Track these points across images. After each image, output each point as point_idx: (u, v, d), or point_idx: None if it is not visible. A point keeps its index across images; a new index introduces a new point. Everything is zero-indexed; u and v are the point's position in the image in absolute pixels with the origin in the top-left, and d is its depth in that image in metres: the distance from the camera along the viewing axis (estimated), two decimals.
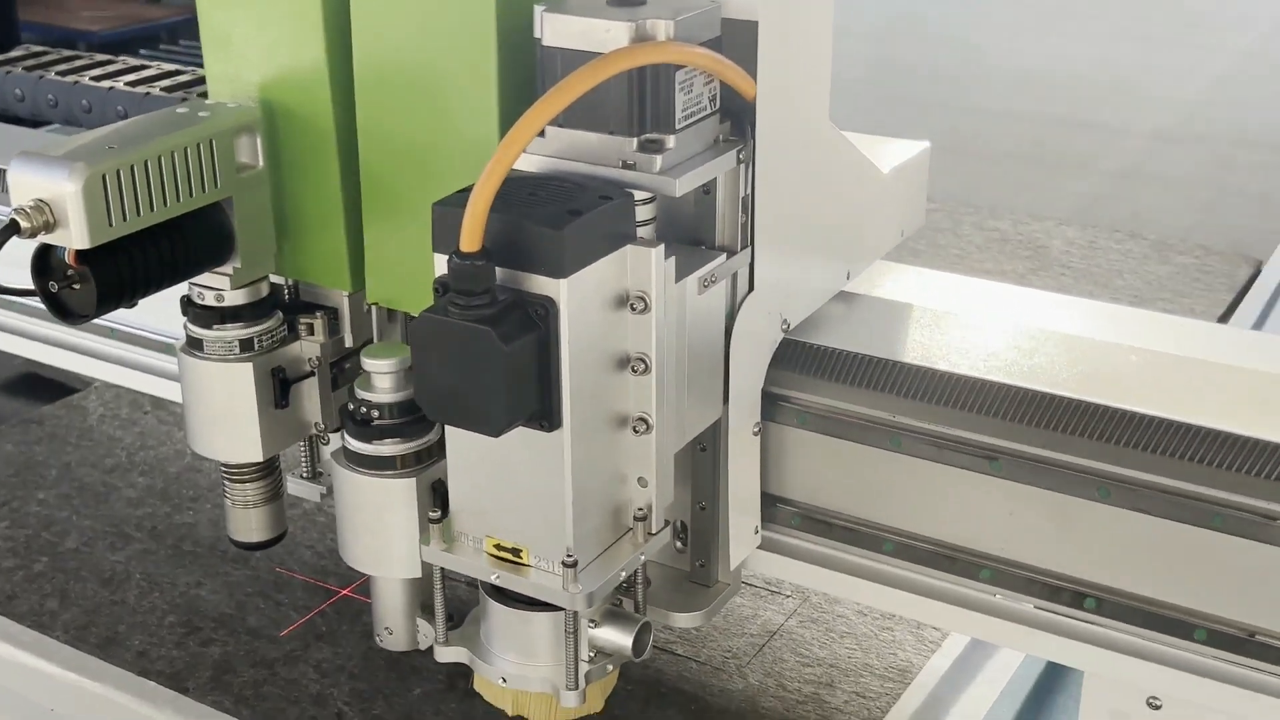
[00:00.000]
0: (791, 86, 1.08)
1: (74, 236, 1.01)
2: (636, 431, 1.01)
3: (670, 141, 0.99)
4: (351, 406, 1.14)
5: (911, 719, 1.21)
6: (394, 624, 1.23)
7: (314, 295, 1.24)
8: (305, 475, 1.32)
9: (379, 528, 1.16)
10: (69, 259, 1.03)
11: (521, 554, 1.02)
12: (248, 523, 1.27)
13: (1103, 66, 3.26)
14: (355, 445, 1.14)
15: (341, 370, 1.25)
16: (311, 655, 1.31)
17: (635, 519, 1.04)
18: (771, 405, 1.15)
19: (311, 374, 1.23)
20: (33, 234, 1.00)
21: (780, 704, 1.23)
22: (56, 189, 1.00)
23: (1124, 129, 2.82)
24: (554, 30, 0.99)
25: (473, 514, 1.04)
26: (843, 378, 1.12)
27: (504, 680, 1.08)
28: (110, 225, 1.02)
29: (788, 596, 1.37)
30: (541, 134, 1.02)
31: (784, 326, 1.16)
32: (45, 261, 1.05)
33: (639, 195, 0.98)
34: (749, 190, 1.06)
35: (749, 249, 1.08)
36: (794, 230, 1.13)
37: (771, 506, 1.18)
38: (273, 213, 1.17)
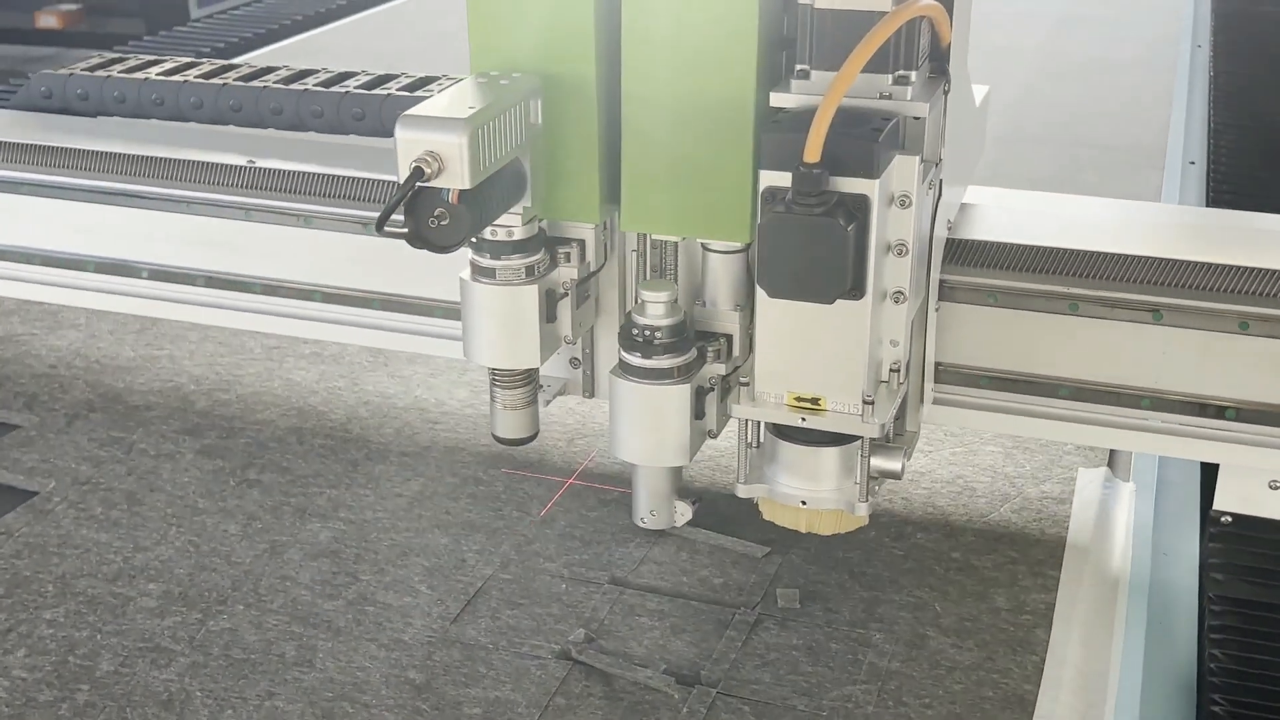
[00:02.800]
0: (964, 33, 1.40)
1: (461, 178, 1.27)
2: (896, 302, 1.33)
3: (913, 76, 1.30)
4: (635, 331, 1.41)
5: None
6: (658, 507, 1.51)
7: (559, 230, 1.51)
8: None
9: (658, 426, 1.43)
10: (452, 198, 1.28)
11: (820, 401, 1.32)
12: (517, 421, 1.54)
13: None
14: (638, 361, 1.41)
15: (583, 292, 1.52)
16: None
17: (891, 370, 1.35)
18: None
19: (565, 295, 1.50)
20: (429, 179, 1.26)
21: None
22: (446, 141, 1.26)
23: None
24: None
25: (776, 376, 1.33)
26: (1018, 266, 1.45)
27: (804, 503, 1.38)
28: (481, 170, 1.28)
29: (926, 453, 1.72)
30: (807, 76, 1.31)
31: (948, 227, 1.48)
32: (415, 205, 1.30)
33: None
34: (944, 115, 1.38)
35: (941, 163, 1.40)
36: (959, 150, 1.45)
37: (954, 371, 1.51)
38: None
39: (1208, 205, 2.30)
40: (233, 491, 1.70)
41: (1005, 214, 1.55)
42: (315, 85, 1.96)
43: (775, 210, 1.23)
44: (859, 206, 1.23)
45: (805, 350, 1.31)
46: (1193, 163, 2.64)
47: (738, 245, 1.43)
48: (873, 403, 1.31)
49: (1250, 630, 1.37)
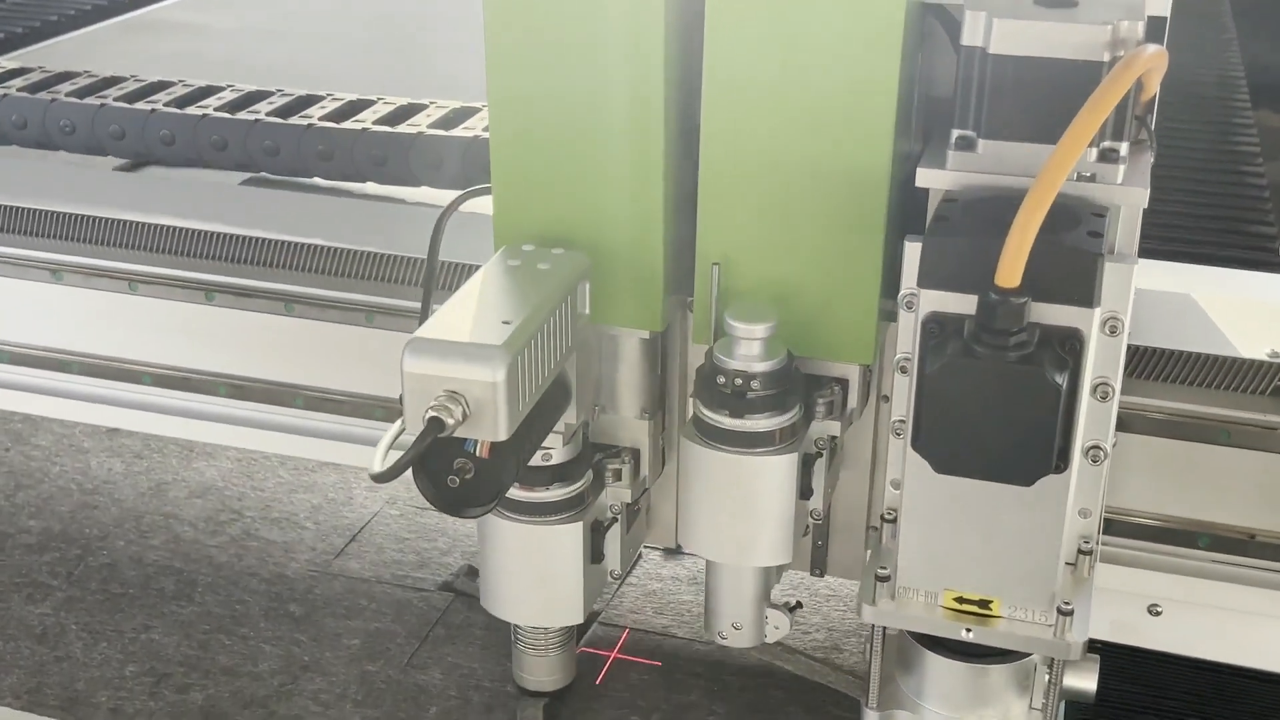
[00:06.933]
0: None
1: (496, 428, 0.88)
2: (1094, 461, 0.93)
3: (1123, 149, 0.90)
4: (722, 380, 0.99)
5: None
6: (743, 618, 1.11)
7: (606, 435, 1.11)
8: None
9: (749, 512, 1.02)
10: (482, 451, 0.89)
11: (991, 605, 0.94)
12: (549, 667, 1.19)
13: None
14: (725, 421, 0.99)
15: (633, 514, 1.13)
16: (303, 687, 1.24)
17: (1081, 552, 0.96)
18: None
19: (615, 520, 1.11)
20: (450, 430, 0.86)
21: None
22: (476, 378, 0.87)
23: None
24: (1006, 38, 0.88)
25: (927, 567, 0.94)
26: None
27: None
28: (521, 410, 0.90)
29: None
30: (971, 147, 0.91)
31: None
32: (428, 460, 0.91)
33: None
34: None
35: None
36: None
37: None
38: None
39: None
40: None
41: None
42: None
43: (952, 353, 0.85)
44: (1070, 345, 0.86)
45: (973, 535, 0.92)
46: None
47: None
48: (1071, 612, 0.93)
49: None
